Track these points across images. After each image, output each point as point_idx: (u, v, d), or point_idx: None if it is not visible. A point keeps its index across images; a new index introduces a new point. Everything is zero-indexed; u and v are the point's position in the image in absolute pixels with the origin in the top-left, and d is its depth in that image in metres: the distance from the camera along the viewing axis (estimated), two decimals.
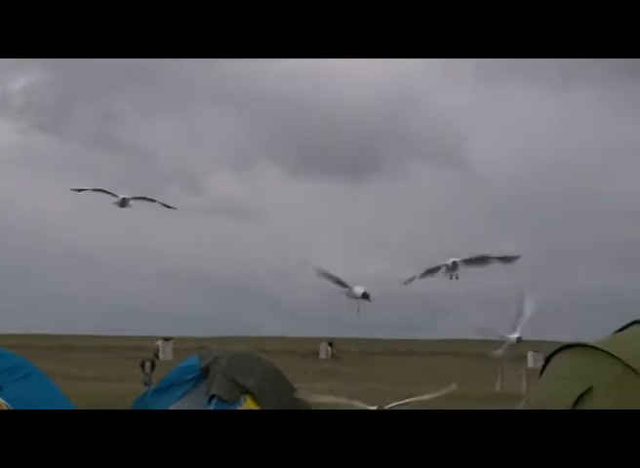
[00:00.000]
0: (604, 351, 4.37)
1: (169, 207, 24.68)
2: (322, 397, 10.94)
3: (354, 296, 20.67)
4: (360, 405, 11.13)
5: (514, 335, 22.33)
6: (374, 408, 11.01)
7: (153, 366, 37.82)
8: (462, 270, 20.31)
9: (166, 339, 54.41)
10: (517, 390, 31.27)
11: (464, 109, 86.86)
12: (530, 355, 46.35)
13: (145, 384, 34.23)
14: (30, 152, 79.47)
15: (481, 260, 20.28)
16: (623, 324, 4.76)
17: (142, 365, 38.28)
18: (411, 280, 20.49)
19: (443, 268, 20.22)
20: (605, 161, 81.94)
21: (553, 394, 4.42)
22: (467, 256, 20.35)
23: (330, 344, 61.87)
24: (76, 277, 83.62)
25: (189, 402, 8.69)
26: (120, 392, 26.14)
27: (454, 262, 20.19)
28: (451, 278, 20.57)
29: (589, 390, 4.24)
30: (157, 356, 39.60)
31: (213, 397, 8.59)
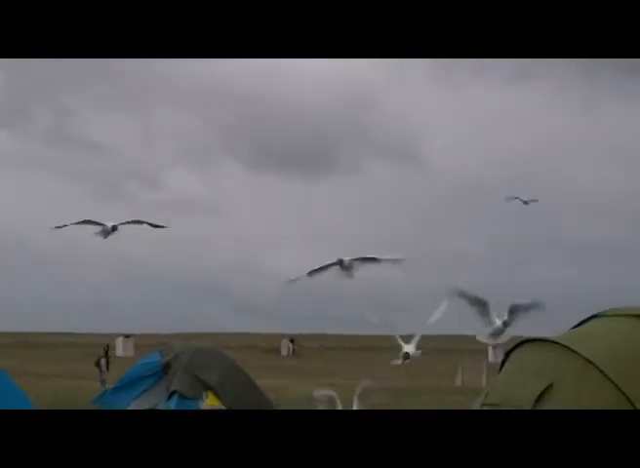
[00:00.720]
0: (564, 346, 4.41)
1: (158, 226, 23.52)
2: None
3: (496, 330, 20.84)
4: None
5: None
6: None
7: (108, 363, 37.57)
8: (360, 268, 20.61)
9: (127, 336, 54.13)
10: (477, 384, 31.49)
11: (420, 106, 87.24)
12: (490, 349, 46.67)
13: (102, 382, 33.97)
14: None
15: (371, 260, 20.70)
16: (581, 319, 4.81)
17: (98, 363, 37.99)
18: (295, 279, 20.71)
19: (337, 266, 20.51)
20: (557, 158, 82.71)
21: (515, 390, 4.45)
22: (357, 256, 20.74)
23: (291, 340, 61.89)
24: (33, 275, 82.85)
25: (150, 398, 8.65)
26: (80, 389, 25.97)
27: (341, 260, 20.52)
28: (348, 276, 20.87)
29: (550, 386, 4.28)
30: (107, 353, 39.27)
31: (174, 393, 8.56)
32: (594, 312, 4.79)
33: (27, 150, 78.20)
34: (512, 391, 4.46)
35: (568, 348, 4.38)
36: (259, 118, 76.79)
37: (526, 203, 31.16)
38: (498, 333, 21.56)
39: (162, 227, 23.68)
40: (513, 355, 4.73)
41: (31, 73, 79.66)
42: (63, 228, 22.24)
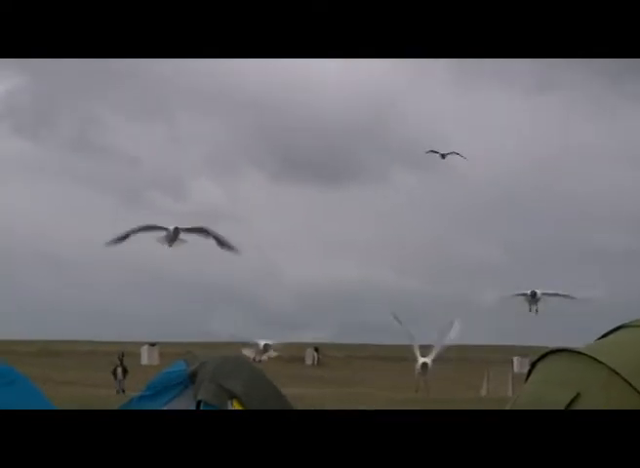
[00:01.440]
0: (590, 356, 4.40)
1: (226, 245, 21.33)
2: None
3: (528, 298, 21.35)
4: None
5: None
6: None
7: (125, 371, 37.50)
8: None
9: (152, 345, 54.29)
10: (503, 394, 31.35)
11: (443, 113, 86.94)
12: (516, 360, 46.47)
13: (118, 392, 33.96)
14: (9, 157, 79.21)
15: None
16: (607, 329, 4.79)
17: (114, 371, 37.94)
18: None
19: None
20: (588, 165, 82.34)
21: (541, 400, 4.43)
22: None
23: (316, 350, 61.82)
24: (58, 282, 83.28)
25: (177, 407, 8.67)
26: (104, 397, 26.05)
27: (267, 344, 19.55)
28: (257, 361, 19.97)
29: (578, 396, 4.26)
30: (122, 361, 39.20)
31: (200, 402, 8.58)
32: (621, 322, 4.77)
33: (49, 158, 78.78)
34: (539, 401, 4.45)
35: (594, 359, 4.37)
36: (283, 125, 76.93)
37: (443, 156, 30.91)
38: (531, 302, 21.89)
39: (230, 248, 21.13)
40: (539, 365, 4.71)
41: (54, 80, 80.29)
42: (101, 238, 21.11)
